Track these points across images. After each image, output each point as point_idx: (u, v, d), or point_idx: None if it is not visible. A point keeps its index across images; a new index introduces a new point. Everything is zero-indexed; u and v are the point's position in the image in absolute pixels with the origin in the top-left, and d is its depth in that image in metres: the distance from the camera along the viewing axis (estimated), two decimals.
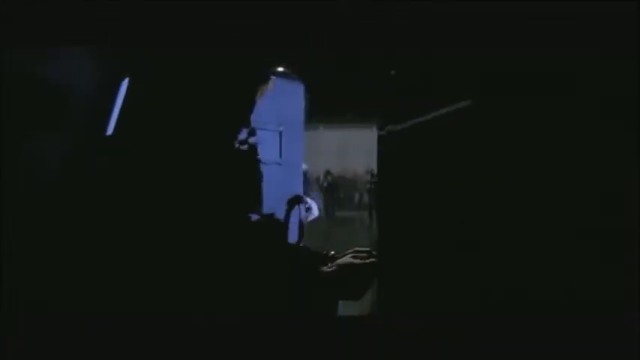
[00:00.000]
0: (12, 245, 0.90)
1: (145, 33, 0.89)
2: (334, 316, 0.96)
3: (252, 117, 1.00)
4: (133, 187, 0.86)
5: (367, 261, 0.96)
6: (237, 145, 1.01)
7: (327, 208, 11.44)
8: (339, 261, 0.97)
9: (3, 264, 0.88)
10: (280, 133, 3.13)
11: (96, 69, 1.07)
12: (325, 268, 0.92)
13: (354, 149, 13.22)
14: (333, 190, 11.38)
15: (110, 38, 0.91)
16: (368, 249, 1.01)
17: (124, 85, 1.14)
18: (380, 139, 1.03)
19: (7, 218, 0.89)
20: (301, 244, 1.15)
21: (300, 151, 3.39)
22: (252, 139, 0.99)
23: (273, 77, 1.00)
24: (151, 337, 0.85)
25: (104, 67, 1.08)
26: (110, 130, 1.13)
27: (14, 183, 0.90)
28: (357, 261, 0.95)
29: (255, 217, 1.09)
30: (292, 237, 1.34)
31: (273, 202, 1.18)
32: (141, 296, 0.85)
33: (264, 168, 1.08)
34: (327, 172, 10.79)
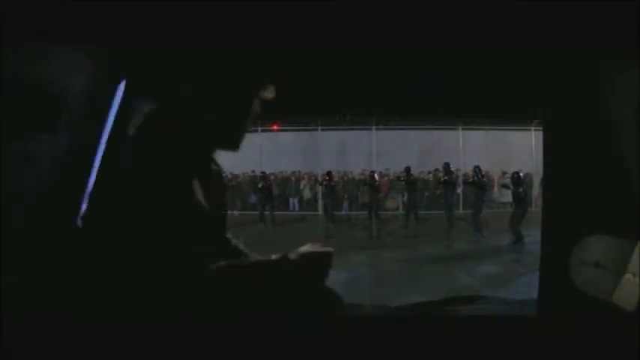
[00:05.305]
0: (10, 245, 0.89)
1: (142, 32, 0.89)
2: (320, 314, 0.96)
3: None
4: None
5: (320, 250, 0.96)
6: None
7: (326, 208, 11.44)
8: (289, 254, 0.96)
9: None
10: None
11: (93, 69, 1.06)
12: (276, 259, 0.92)
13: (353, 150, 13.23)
14: (333, 190, 11.39)
15: (107, 38, 0.91)
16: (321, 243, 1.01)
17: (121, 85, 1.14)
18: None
19: (6, 218, 0.88)
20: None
21: None
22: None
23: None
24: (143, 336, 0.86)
25: (102, 66, 1.08)
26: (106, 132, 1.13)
27: (12, 182, 0.90)
28: (306, 249, 0.95)
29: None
30: None
31: None
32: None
33: None
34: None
